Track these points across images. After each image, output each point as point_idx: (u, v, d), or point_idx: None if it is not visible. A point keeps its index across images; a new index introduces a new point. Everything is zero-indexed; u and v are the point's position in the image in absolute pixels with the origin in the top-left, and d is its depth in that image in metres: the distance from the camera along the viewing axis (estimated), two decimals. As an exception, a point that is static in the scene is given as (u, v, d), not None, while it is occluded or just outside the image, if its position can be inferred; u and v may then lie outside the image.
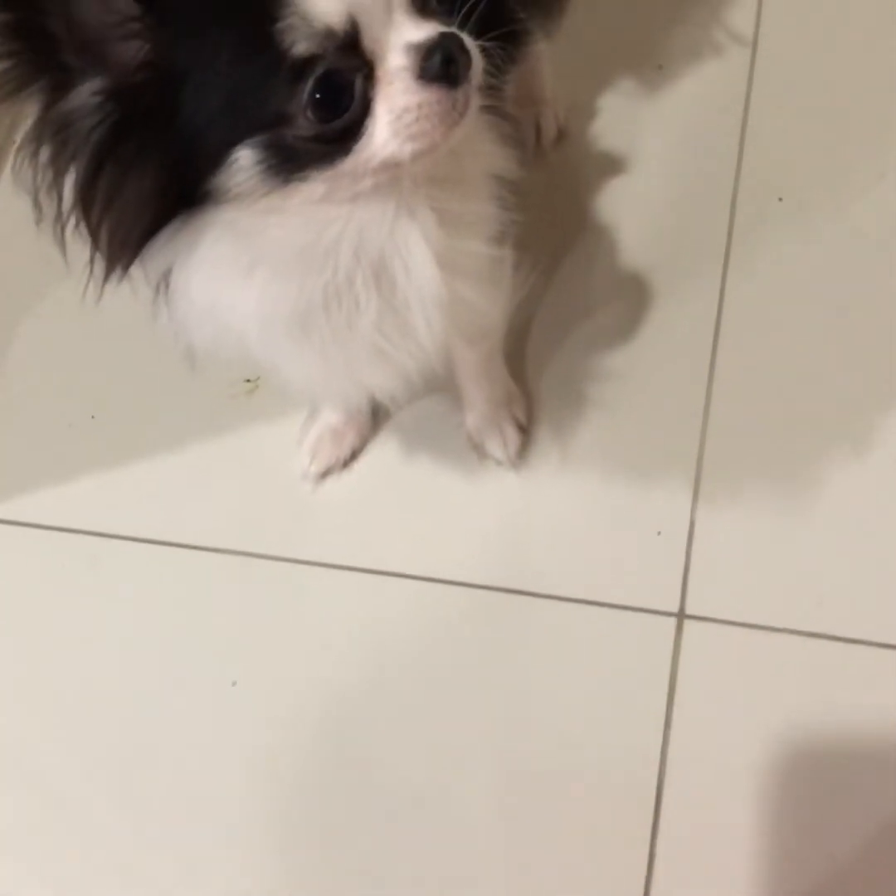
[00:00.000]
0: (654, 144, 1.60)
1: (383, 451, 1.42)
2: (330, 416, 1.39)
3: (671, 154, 1.59)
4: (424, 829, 1.25)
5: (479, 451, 1.40)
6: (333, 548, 1.37)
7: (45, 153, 0.80)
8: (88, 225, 0.83)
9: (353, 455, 1.42)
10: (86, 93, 0.77)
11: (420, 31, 0.83)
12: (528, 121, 1.58)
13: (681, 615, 1.31)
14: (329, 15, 0.77)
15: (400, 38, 0.82)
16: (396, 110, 0.82)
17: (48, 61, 0.76)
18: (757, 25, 1.69)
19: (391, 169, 0.85)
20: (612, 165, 1.59)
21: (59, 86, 0.77)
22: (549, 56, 1.54)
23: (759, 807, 1.24)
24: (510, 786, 1.27)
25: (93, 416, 1.48)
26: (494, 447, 1.38)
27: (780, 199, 1.55)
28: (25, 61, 0.76)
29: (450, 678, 1.31)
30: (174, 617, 1.37)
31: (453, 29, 0.84)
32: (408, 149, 0.83)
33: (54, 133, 0.78)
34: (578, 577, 1.34)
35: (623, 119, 1.62)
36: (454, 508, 1.39)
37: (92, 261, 0.86)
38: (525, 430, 1.40)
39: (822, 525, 1.35)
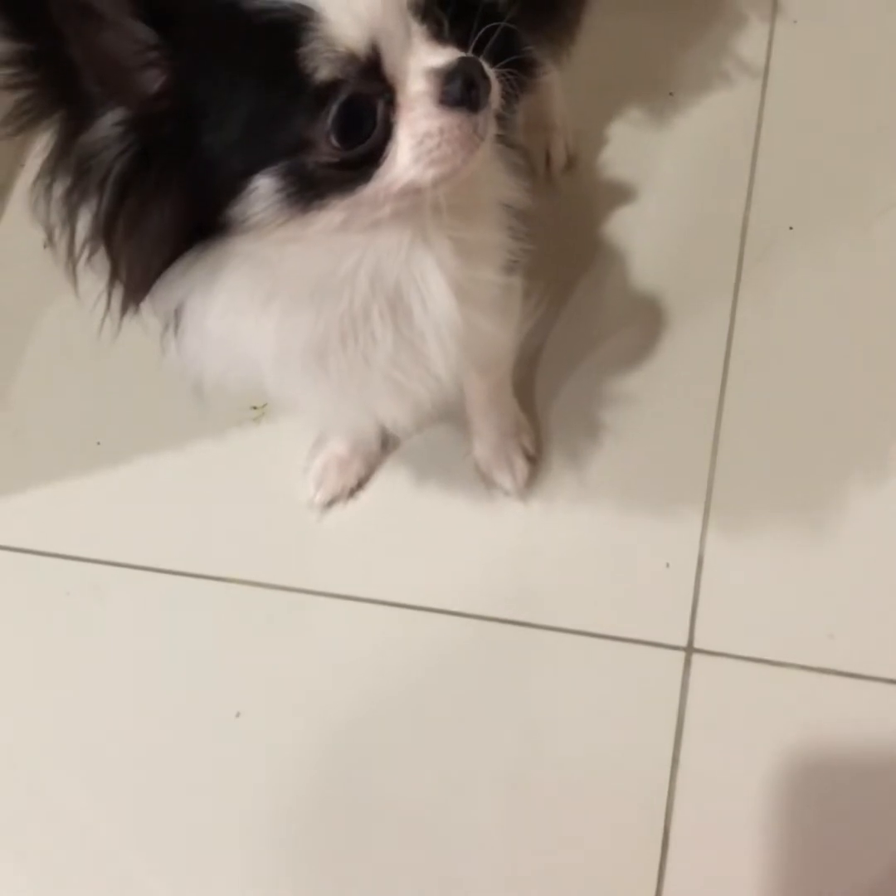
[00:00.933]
0: (663, 172, 1.59)
1: (390, 480, 1.41)
2: (336, 445, 1.38)
3: (681, 182, 1.59)
4: (430, 861, 1.24)
5: (486, 480, 1.39)
6: (339, 577, 1.36)
7: (61, 186, 0.80)
8: (110, 257, 0.82)
9: (360, 484, 1.41)
10: (108, 123, 0.76)
11: (439, 56, 0.83)
12: (538, 148, 1.58)
13: (689, 649, 1.30)
14: (352, 39, 0.77)
15: (420, 64, 0.82)
16: (418, 135, 0.82)
17: (68, 91, 0.75)
18: (768, 54, 1.69)
19: (411, 195, 0.84)
20: (621, 193, 1.59)
21: (78, 116, 0.76)
22: (558, 83, 1.54)
23: (767, 842, 1.22)
24: (516, 819, 1.26)
25: (98, 443, 1.47)
26: (502, 477, 1.37)
27: (791, 228, 1.55)
28: (45, 91, 0.75)
29: (455, 710, 1.30)
30: (178, 646, 1.35)
31: (471, 55, 0.84)
32: (429, 174, 0.83)
33: (76, 165, 0.78)
34: (585, 608, 1.33)
35: (633, 147, 1.62)
36: (461, 538, 1.38)
37: (109, 294, 0.85)
38: (533, 461, 1.39)
39: (833, 558, 1.33)
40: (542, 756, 1.28)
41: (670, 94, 1.66)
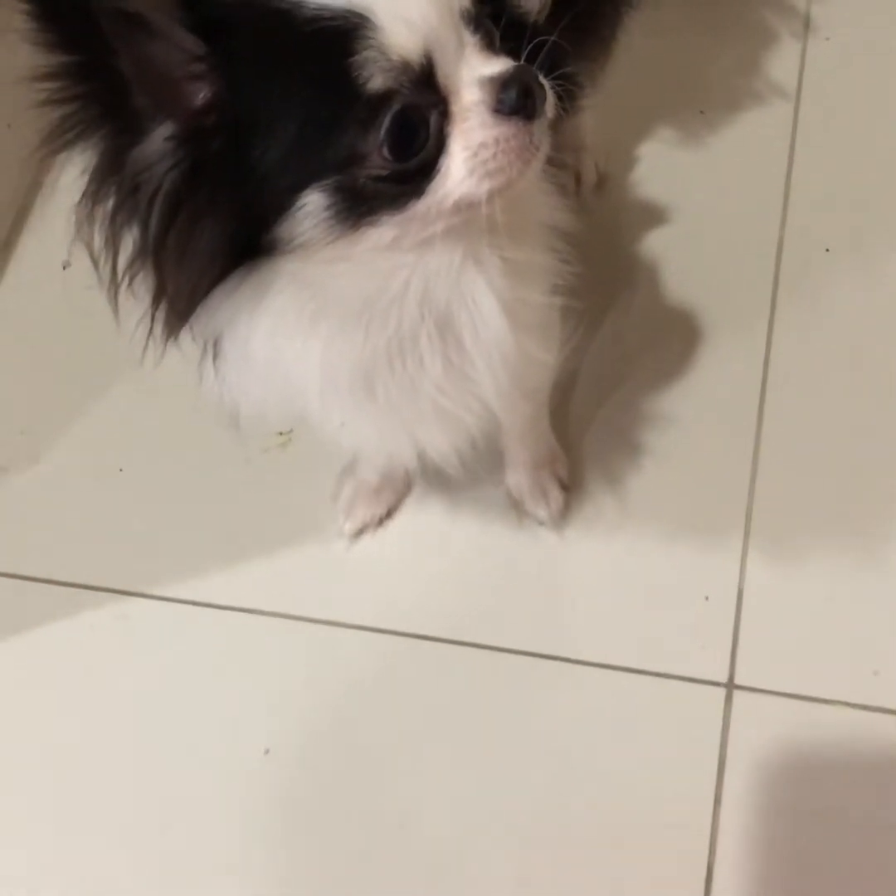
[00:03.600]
0: (695, 192, 1.57)
1: (420, 509, 1.38)
2: (366, 473, 1.35)
3: (714, 202, 1.56)
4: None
5: (519, 509, 1.36)
6: (369, 609, 1.33)
7: (106, 205, 0.77)
8: (157, 277, 0.79)
9: (389, 513, 1.38)
10: (158, 138, 0.74)
11: (493, 65, 0.80)
12: (568, 168, 1.55)
13: (730, 685, 1.27)
14: (406, 48, 0.75)
15: (473, 73, 0.79)
16: (473, 146, 0.79)
17: (116, 105, 0.73)
18: (801, 72, 1.66)
19: (465, 210, 0.81)
20: (653, 213, 1.56)
21: (127, 131, 0.74)
22: (589, 104, 1.51)
23: (812, 882, 1.19)
24: (550, 860, 1.22)
25: (121, 470, 1.44)
26: (537, 507, 1.34)
27: (828, 250, 1.52)
28: (92, 105, 0.72)
29: (485, 747, 1.27)
30: (203, 679, 1.32)
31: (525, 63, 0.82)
32: (484, 186, 0.80)
33: (124, 182, 0.75)
34: (622, 643, 1.30)
35: (664, 166, 1.60)
36: (494, 570, 1.34)
37: (152, 317, 0.82)
38: (567, 490, 1.35)
39: (877, 591, 1.30)
40: (576, 796, 1.24)
41: (701, 112, 1.63)
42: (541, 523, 1.35)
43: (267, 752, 1.27)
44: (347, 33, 0.73)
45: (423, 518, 1.38)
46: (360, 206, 0.78)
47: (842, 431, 1.39)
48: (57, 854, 1.26)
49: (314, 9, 0.73)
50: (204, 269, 0.78)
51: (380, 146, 0.76)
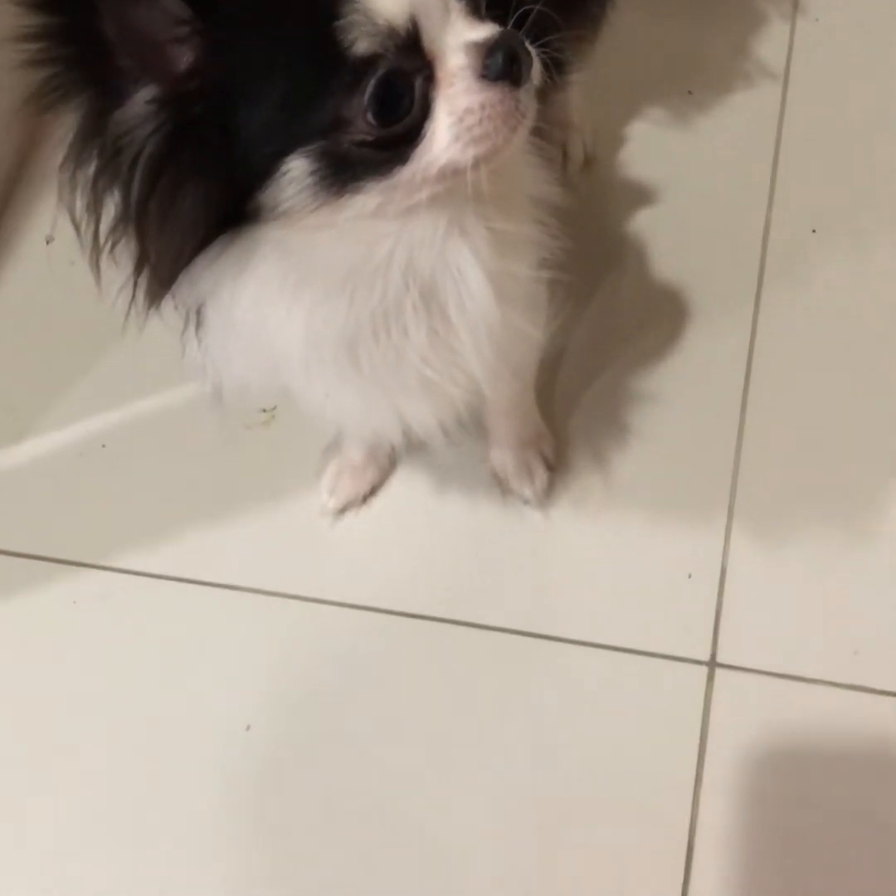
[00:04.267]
0: (683, 172, 1.56)
1: (404, 487, 1.38)
2: (350, 450, 1.35)
3: (701, 181, 1.56)
4: (435, 880, 1.20)
5: (503, 488, 1.35)
6: (352, 586, 1.32)
7: (88, 169, 0.76)
8: (139, 243, 0.78)
9: (373, 490, 1.37)
10: (140, 101, 0.73)
11: (479, 30, 0.80)
12: (555, 146, 1.54)
13: (712, 664, 1.27)
14: (392, 13, 0.75)
15: (459, 38, 0.79)
16: (458, 112, 0.78)
17: (99, 68, 0.72)
18: (789, 52, 1.66)
19: (450, 177, 0.80)
20: (640, 192, 1.56)
21: (109, 94, 0.73)
22: (577, 81, 1.50)
23: (793, 860, 1.19)
24: (530, 839, 1.22)
25: (104, 446, 1.43)
26: (522, 486, 1.34)
27: (814, 231, 1.52)
28: (76, 67, 0.72)
29: (468, 724, 1.26)
30: (185, 656, 1.31)
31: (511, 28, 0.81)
32: (470, 153, 0.79)
33: (106, 145, 0.74)
34: (604, 621, 1.30)
35: (652, 146, 1.60)
36: (476, 547, 1.34)
37: (134, 285, 0.81)
38: (552, 469, 1.35)
39: (859, 570, 1.30)
40: (557, 773, 1.24)
41: (689, 92, 1.63)
42: (525, 502, 1.35)
43: (248, 728, 1.27)
44: None
45: (406, 496, 1.37)
46: (344, 172, 0.77)
47: (826, 412, 1.39)
48: (32, 831, 1.25)
49: None
50: (186, 236, 0.77)
51: (364, 111, 0.75)
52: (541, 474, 1.34)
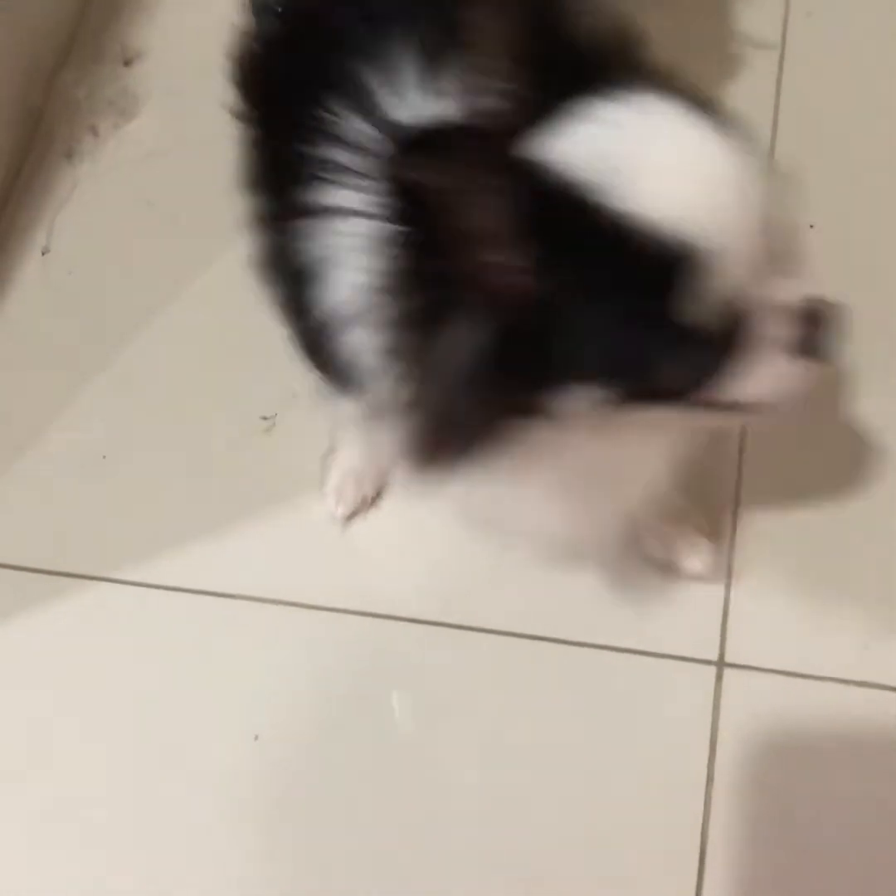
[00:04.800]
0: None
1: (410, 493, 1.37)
2: (351, 458, 1.34)
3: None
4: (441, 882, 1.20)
5: (672, 569, 1.31)
6: (361, 593, 1.32)
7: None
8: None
9: (379, 492, 1.36)
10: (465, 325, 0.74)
11: (788, 290, 0.78)
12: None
13: (721, 663, 1.26)
14: (729, 288, 0.73)
15: (770, 298, 0.77)
16: (756, 376, 0.78)
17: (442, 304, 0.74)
18: (783, 35, 1.65)
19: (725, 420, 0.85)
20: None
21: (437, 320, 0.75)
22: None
23: (806, 860, 1.19)
24: (542, 840, 1.21)
25: (104, 457, 1.43)
26: (688, 562, 1.30)
27: (811, 227, 1.50)
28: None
29: (480, 728, 1.26)
30: (191, 667, 1.31)
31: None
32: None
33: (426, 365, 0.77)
34: (611, 623, 1.29)
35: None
36: (485, 552, 1.31)
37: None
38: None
39: (867, 567, 1.30)
40: (567, 776, 1.23)
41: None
42: (699, 578, 1.30)
43: (256, 738, 1.26)
44: (677, 262, 0.71)
45: (412, 501, 1.36)
46: (634, 400, 0.78)
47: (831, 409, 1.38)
48: (37, 843, 1.25)
49: (648, 227, 0.70)
50: (475, 436, 0.79)
51: (692, 379, 0.77)
52: (703, 547, 1.31)
